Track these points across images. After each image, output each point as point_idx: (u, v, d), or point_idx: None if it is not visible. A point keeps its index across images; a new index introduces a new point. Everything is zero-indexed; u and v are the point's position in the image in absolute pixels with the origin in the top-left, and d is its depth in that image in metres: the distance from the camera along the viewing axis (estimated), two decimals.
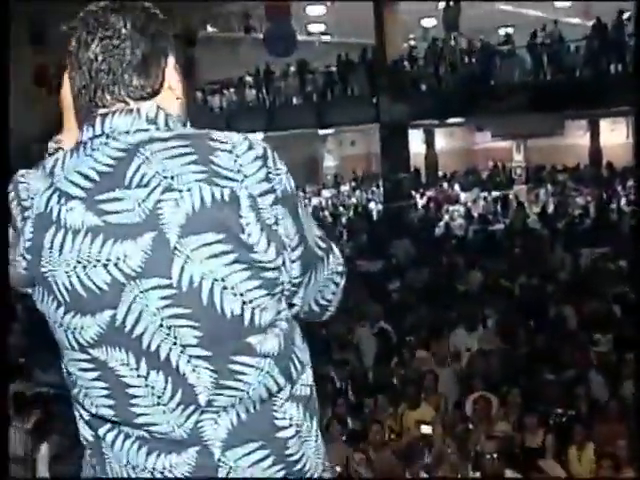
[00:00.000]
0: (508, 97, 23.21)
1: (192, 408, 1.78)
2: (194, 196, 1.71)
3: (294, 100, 30.56)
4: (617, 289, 13.60)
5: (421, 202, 28.74)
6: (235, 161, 1.75)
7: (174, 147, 1.76)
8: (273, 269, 1.78)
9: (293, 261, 1.85)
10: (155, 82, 1.87)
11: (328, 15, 29.38)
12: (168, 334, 1.75)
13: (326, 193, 33.86)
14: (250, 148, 1.78)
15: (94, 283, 1.73)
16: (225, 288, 1.74)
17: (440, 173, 36.79)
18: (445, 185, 33.06)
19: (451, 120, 28.79)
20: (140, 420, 1.80)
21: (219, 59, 30.98)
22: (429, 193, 30.89)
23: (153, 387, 1.78)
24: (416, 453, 8.47)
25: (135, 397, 1.79)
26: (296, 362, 1.88)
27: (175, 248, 1.71)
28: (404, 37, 28.03)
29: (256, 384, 1.80)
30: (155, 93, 1.87)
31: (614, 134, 36.29)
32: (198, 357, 1.76)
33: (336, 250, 2.06)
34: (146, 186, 1.72)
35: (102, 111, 1.82)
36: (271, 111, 29.62)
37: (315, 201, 31.94)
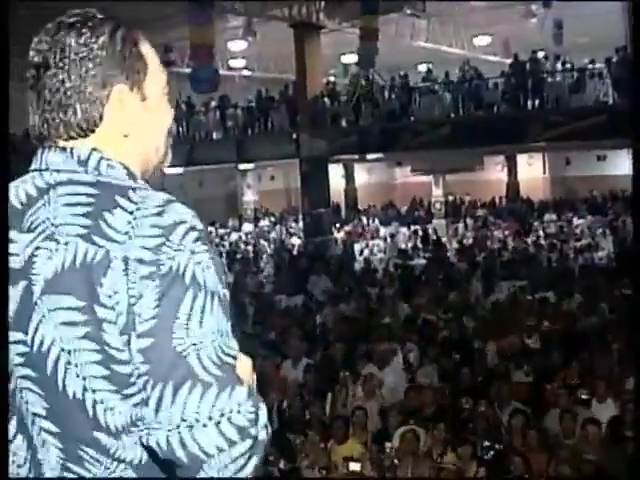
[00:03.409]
0: (427, 132, 23.52)
1: None
2: (68, 251, 1.60)
3: (214, 135, 30.51)
4: (533, 321, 13.77)
5: (340, 237, 28.83)
6: (129, 222, 1.60)
7: (78, 194, 1.64)
8: (124, 362, 1.58)
9: (137, 351, 1.57)
10: (85, 118, 1.72)
11: (249, 50, 29.45)
12: (22, 397, 1.65)
13: (247, 227, 33.77)
14: (156, 215, 1.61)
15: None
16: (69, 363, 1.60)
17: (360, 208, 36.97)
18: (364, 220, 33.23)
19: (371, 155, 29.02)
20: None
21: None
22: (348, 228, 31.03)
23: (15, 453, 1.68)
24: None
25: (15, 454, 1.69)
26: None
27: (36, 303, 1.61)
28: (324, 73, 28.22)
29: None
30: (89, 130, 1.72)
31: (531, 169, 37.08)
32: (47, 431, 1.63)
33: (243, 397, 1.57)
34: (33, 231, 1.65)
35: (47, 143, 1.73)
36: (191, 145, 29.50)
37: (235, 236, 31.81)
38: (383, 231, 29.76)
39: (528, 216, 30.58)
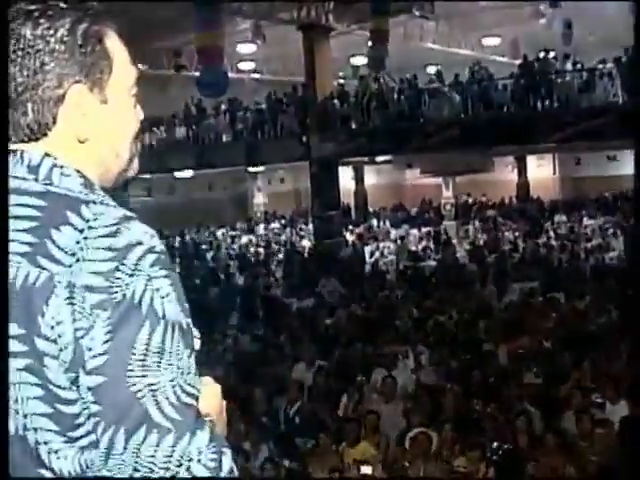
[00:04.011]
0: (437, 134, 23.47)
1: None
2: (10, 271, 1.43)
3: (224, 137, 30.50)
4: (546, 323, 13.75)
5: (351, 239, 28.81)
6: (78, 242, 1.42)
7: (25, 205, 1.47)
8: (70, 401, 1.41)
9: (88, 389, 1.40)
10: (36, 119, 1.53)
11: (259, 53, 29.45)
12: None
13: (257, 230, 33.80)
14: (109, 235, 1.44)
15: None
16: (9, 398, 1.43)
17: (370, 210, 36.92)
18: (375, 222, 33.18)
19: (380, 157, 28.98)
20: None
21: (149, 96, 30.79)
22: (358, 230, 31.00)
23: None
24: None
25: None
26: None
27: None
28: (334, 75, 28.20)
29: None
30: (39, 133, 1.54)
31: (541, 169, 36.99)
32: None
33: (204, 442, 1.41)
34: None
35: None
36: (201, 149, 29.52)
37: (245, 239, 31.84)
38: (393, 233, 29.73)
39: (538, 217, 30.48)
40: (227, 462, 1.43)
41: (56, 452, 1.42)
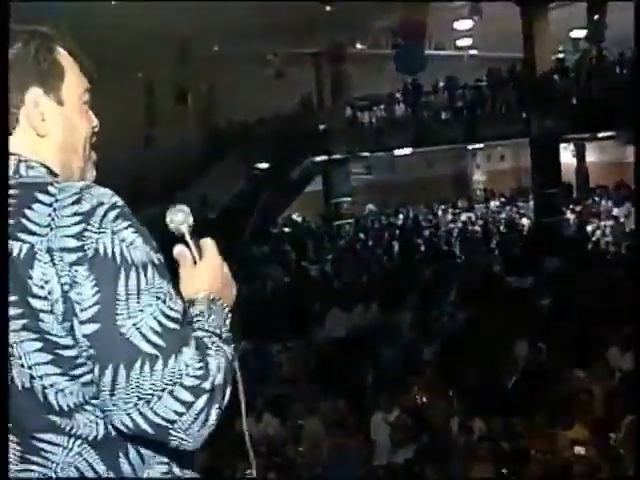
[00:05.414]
0: None
1: None
2: None
3: (443, 115, 30.42)
4: None
5: (572, 217, 28.19)
6: (49, 215, 1.66)
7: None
8: (68, 346, 1.66)
9: (83, 336, 1.64)
10: None
11: (476, 29, 29.19)
12: None
13: (478, 208, 33.60)
14: (74, 203, 1.67)
15: None
16: (12, 356, 1.66)
17: (592, 187, 35.98)
18: (596, 200, 32.33)
19: (602, 133, 28.18)
20: None
21: (367, 75, 31.21)
22: (580, 208, 30.29)
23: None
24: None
25: None
26: (132, 453, 1.74)
27: None
28: (553, 50, 27.59)
29: (63, 464, 1.70)
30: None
31: None
32: None
33: (189, 357, 1.67)
34: None
35: None
36: (420, 126, 29.59)
37: (464, 217, 31.74)
38: (615, 211, 28.86)
39: None
40: (212, 363, 1.69)
41: (62, 390, 1.67)
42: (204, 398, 1.65)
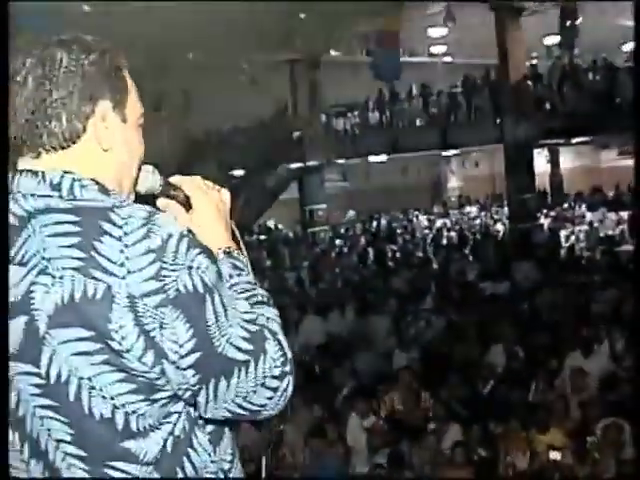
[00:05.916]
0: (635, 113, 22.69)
1: None
2: (65, 286, 1.62)
3: (417, 122, 30.52)
4: None
5: (546, 222, 28.32)
6: (122, 252, 1.64)
7: (61, 223, 1.67)
8: (150, 377, 1.68)
9: (185, 368, 1.68)
10: (70, 128, 1.78)
11: (450, 36, 29.32)
12: (42, 424, 1.68)
13: (452, 214, 33.73)
14: (145, 237, 1.65)
15: None
16: (93, 388, 1.65)
17: (566, 193, 36.18)
18: (571, 205, 32.49)
19: (576, 139, 28.32)
20: None
21: (342, 82, 31.26)
22: (554, 213, 30.42)
23: (33, 477, 1.73)
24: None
25: None
26: (187, 466, 1.77)
27: (44, 337, 1.64)
28: (527, 56, 27.74)
29: None
30: (71, 140, 1.79)
31: None
32: (72, 455, 1.68)
33: (273, 350, 1.79)
34: (25, 265, 1.67)
35: (19, 165, 1.78)
36: (395, 133, 29.64)
37: (439, 222, 31.83)
38: (589, 216, 29.01)
39: None
40: (284, 343, 1.83)
41: (142, 415, 1.69)
42: (288, 378, 1.81)
